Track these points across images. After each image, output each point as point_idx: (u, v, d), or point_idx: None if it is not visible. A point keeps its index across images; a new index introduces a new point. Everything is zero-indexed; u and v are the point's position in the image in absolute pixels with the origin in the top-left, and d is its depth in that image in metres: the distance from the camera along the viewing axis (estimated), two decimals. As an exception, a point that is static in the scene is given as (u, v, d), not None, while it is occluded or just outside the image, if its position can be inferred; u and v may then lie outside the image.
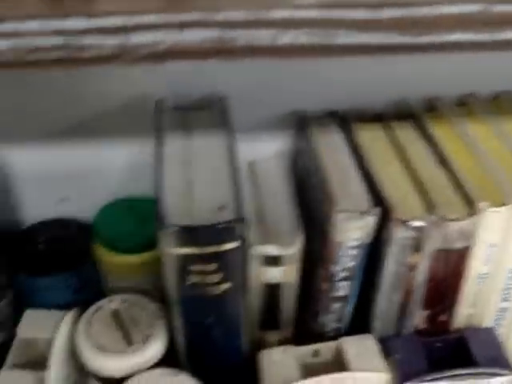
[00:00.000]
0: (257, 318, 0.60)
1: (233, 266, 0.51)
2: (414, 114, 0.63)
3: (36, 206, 0.69)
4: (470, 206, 0.53)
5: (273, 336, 0.61)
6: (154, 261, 0.61)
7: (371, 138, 0.61)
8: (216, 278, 0.51)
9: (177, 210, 0.50)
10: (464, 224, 0.52)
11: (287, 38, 0.30)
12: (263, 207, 0.60)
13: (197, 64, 0.59)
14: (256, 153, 0.65)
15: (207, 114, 0.61)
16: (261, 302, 0.59)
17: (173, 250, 0.49)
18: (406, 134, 0.61)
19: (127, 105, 0.63)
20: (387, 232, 0.53)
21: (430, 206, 0.53)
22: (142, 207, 0.64)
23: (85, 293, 0.65)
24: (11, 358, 0.56)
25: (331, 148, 0.60)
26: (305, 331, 0.61)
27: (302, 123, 0.63)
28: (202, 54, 0.29)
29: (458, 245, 0.54)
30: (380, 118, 0.63)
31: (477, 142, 0.59)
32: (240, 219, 0.49)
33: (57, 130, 0.64)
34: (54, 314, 0.59)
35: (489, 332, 0.60)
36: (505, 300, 0.60)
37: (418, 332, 0.59)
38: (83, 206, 0.67)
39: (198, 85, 0.62)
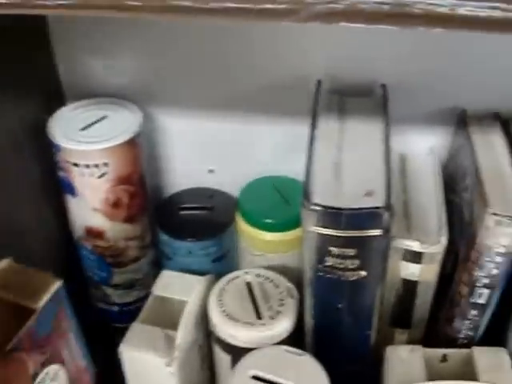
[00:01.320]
0: (389, 314, 0.59)
1: (372, 254, 0.50)
2: None
3: (186, 174, 0.71)
4: None
5: (402, 334, 0.60)
6: (293, 241, 0.62)
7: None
8: (353, 263, 0.50)
9: (323, 190, 0.50)
10: None
11: (465, 9, 0.28)
12: (410, 202, 0.59)
13: (360, 49, 0.59)
14: (409, 146, 0.64)
15: (365, 100, 0.60)
16: (395, 298, 0.58)
17: (314, 230, 0.49)
18: None
19: (287, 84, 0.63)
20: (539, 243, 0.50)
21: None
22: (288, 187, 0.65)
23: (223, 263, 0.66)
24: (144, 313, 0.58)
25: (490, 150, 0.58)
26: (436, 334, 0.59)
27: (462, 121, 0.61)
28: (376, 18, 0.29)
29: None
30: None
31: None
32: (386, 207, 0.48)
33: (215, 102, 0.66)
34: (190, 277, 0.61)
35: None
36: None
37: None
38: (231, 179, 0.68)
39: (358, 71, 0.61)
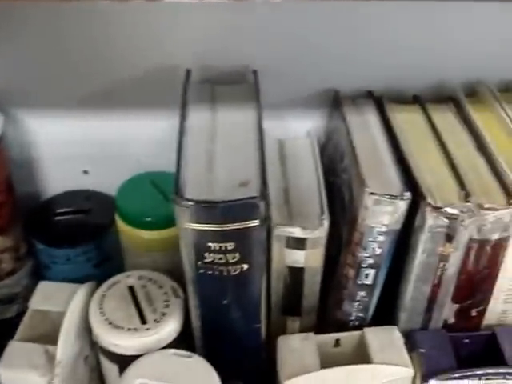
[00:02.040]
0: (279, 303, 0.58)
1: (252, 245, 0.48)
2: (453, 97, 0.60)
3: (59, 178, 0.67)
4: (509, 194, 0.50)
5: (294, 322, 0.59)
6: (175, 238, 0.59)
7: (407, 121, 0.58)
8: (234, 257, 0.48)
9: (196, 184, 0.47)
10: (502, 214, 0.49)
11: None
12: (290, 188, 0.58)
13: (228, 35, 0.58)
14: (287, 131, 0.63)
15: (237, 87, 0.58)
16: (283, 286, 0.56)
17: (190, 226, 0.47)
18: (444, 118, 0.58)
19: (156, 76, 0.61)
20: (419, 219, 0.50)
21: (466, 194, 0.50)
22: (166, 183, 0.62)
23: (105, 268, 0.63)
24: (21, 329, 0.55)
25: (365, 129, 0.57)
26: (327, 319, 0.58)
27: (336, 102, 0.61)
28: None
29: (495, 236, 0.50)
30: (417, 100, 0.60)
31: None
32: (262, 197, 0.46)
33: (82, 100, 0.62)
34: (69, 286, 0.57)
35: (523, 331, 0.56)
36: (542, 297, 0.56)
37: (447, 326, 0.56)
38: (107, 179, 0.65)
39: (228, 57, 0.59)
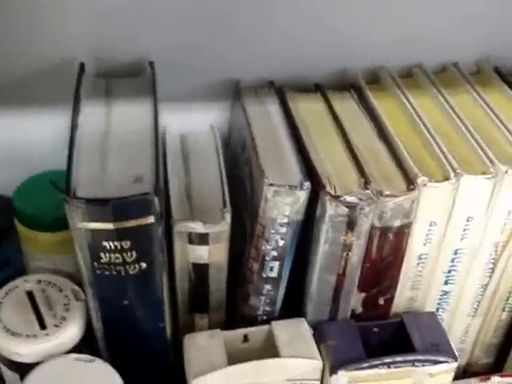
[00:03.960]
0: (185, 301, 0.56)
1: (149, 243, 0.47)
2: (354, 85, 0.60)
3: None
4: (409, 181, 0.50)
5: (203, 319, 0.57)
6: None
7: (308, 110, 0.57)
8: (131, 256, 0.47)
9: (88, 181, 0.46)
10: (402, 200, 0.49)
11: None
12: (192, 183, 0.56)
13: (124, 25, 0.56)
14: (189, 125, 0.61)
15: (133, 80, 0.56)
16: (189, 284, 0.55)
17: (83, 226, 0.45)
18: (345, 106, 0.58)
19: (50, 70, 0.58)
20: (319, 208, 0.49)
21: (365, 181, 0.49)
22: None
23: (4, 272, 0.60)
24: None
25: (265, 120, 0.56)
26: (236, 315, 0.57)
27: (237, 93, 0.59)
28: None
29: (396, 223, 0.50)
30: (319, 89, 0.59)
31: (420, 116, 0.56)
32: (156, 192, 0.44)
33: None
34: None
35: (430, 317, 0.57)
36: (448, 283, 0.57)
37: (355, 316, 0.56)
38: (6, 181, 0.62)
39: (124, 49, 0.57)
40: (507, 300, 0.59)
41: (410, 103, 0.57)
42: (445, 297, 0.57)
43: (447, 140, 0.53)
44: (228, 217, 0.52)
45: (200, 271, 0.54)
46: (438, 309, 0.58)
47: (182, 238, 0.52)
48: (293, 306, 0.56)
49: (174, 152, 0.59)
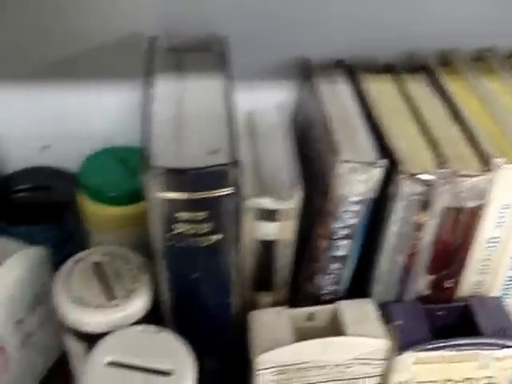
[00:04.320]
0: (250, 278, 0.56)
1: (224, 215, 0.46)
2: (427, 66, 0.59)
3: (18, 154, 0.64)
4: (485, 162, 0.49)
5: (266, 297, 0.57)
6: (141, 213, 0.57)
7: (380, 90, 0.57)
8: (205, 227, 0.47)
9: (164, 152, 0.46)
10: (477, 181, 0.48)
11: None
12: (261, 159, 0.56)
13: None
14: (256, 103, 0.61)
15: (204, 55, 0.56)
16: (255, 261, 0.55)
17: (159, 195, 0.45)
18: (418, 87, 0.57)
19: (119, 45, 0.58)
20: (394, 187, 0.49)
21: (441, 161, 0.49)
22: (131, 157, 0.60)
23: (66, 248, 0.61)
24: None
25: (337, 98, 0.56)
26: (300, 294, 0.57)
27: (306, 72, 0.59)
28: None
29: (470, 204, 0.49)
30: (390, 69, 0.59)
31: (493, 98, 0.55)
32: (234, 163, 0.44)
33: (42, 72, 0.60)
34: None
35: (496, 301, 0.56)
36: (516, 268, 0.56)
37: (422, 298, 0.55)
38: (69, 155, 0.62)
39: (195, 24, 0.57)
40: None
41: (482, 86, 0.56)
42: (510, 282, 0.56)
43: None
44: (298, 194, 0.51)
45: (267, 248, 0.54)
46: (503, 294, 0.57)
47: (251, 213, 0.52)
48: (359, 286, 0.56)
49: (242, 129, 0.58)
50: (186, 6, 0.56)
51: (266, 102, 0.61)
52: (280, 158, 0.56)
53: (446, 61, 0.59)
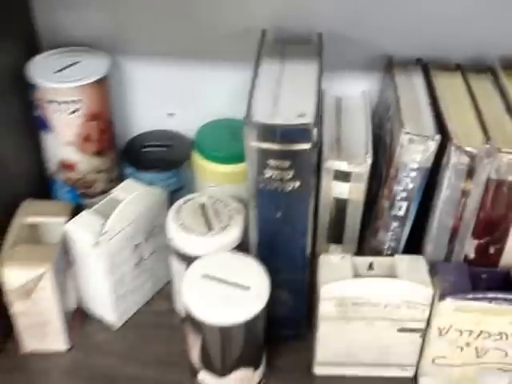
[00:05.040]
0: (324, 231, 0.68)
1: (304, 165, 0.58)
2: (491, 68, 0.69)
3: (150, 118, 0.79)
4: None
5: (337, 249, 0.69)
6: (241, 172, 0.70)
7: (447, 84, 0.67)
8: (288, 174, 0.59)
9: (262, 112, 0.58)
10: (516, 157, 0.58)
11: None
12: (342, 133, 0.68)
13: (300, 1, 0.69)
14: (346, 90, 0.73)
15: (304, 47, 0.69)
16: (329, 216, 0.67)
17: (254, 144, 0.58)
18: (481, 85, 0.67)
19: (237, 35, 0.72)
20: (445, 158, 0.59)
21: (487, 138, 0.59)
22: (237, 127, 0.73)
23: (180, 194, 0.74)
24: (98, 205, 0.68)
25: (411, 89, 0.67)
26: (365, 248, 0.68)
27: (389, 67, 0.71)
28: None
29: (510, 178, 0.59)
30: (459, 68, 0.69)
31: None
32: (315, 124, 0.56)
33: (176, 51, 0.75)
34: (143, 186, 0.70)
35: (536, 272, 0.65)
36: (554, 243, 0.64)
37: (467, 261, 0.65)
38: (188, 122, 0.77)
39: (298, 22, 0.70)
40: None
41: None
42: (551, 257, 0.65)
43: None
44: (369, 160, 0.63)
45: (340, 205, 0.66)
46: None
47: (329, 174, 0.64)
48: (413, 245, 0.66)
49: (330, 110, 0.71)
50: (291, 7, 0.69)
51: (354, 90, 0.73)
52: (358, 133, 0.68)
53: (509, 64, 0.69)
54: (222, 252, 0.63)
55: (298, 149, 0.58)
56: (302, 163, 0.58)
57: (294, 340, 0.70)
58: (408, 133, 0.59)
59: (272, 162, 0.58)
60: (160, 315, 0.74)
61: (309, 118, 0.57)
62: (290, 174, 0.59)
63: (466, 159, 0.58)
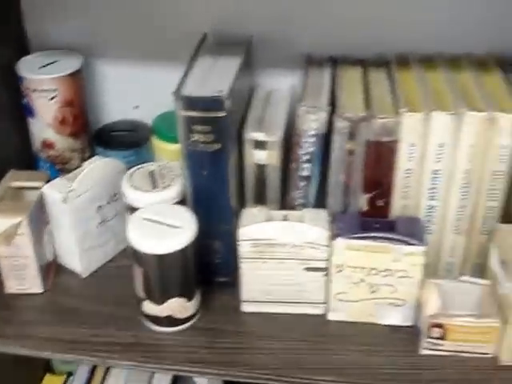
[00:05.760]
0: (251, 194, 0.84)
1: (221, 130, 0.75)
2: (388, 63, 0.85)
3: (119, 109, 0.97)
4: (395, 111, 0.74)
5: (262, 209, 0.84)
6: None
7: (349, 75, 0.84)
8: (210, 137, 0.75)
9: (190, 88, 0.75)
10: (386, 122, 0.74)
11: None
12: (266, 116, 0.84)
13: (236, 6, 0.86)
14: (277, 85, 0.90)
15: (235, 47, 0.85)
16: (253, 179, 0.82)
17: (182, 113, 0.74)
18: (376, 75, 0.84)
19: (185, 37, 0.88)
20: (334, 124, 0.75)
21: (366, 108, 0.75)
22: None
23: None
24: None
25: (319, 78, 0.84)
26: (283, 206, 0.84)
27: (307, 63, 0.87)
28: None
29: (385, 139, 0.75)
30: (362, 63, 0.86)
31: (426, 83, 0.80)
32: (228, 96, 0.73)
33: (137, 52, 0.93)
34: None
35: (416, 220, 0.79)
36: (432, 199, 0.79)
37: (362, 213, 0.80)
38: (150, 112, 0.94)
39: (232, 26, 0.88)
40: (484, 224, 0.81)
41: (422, 77, 0.82)
42: (431, 210, 0.80)
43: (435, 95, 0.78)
44: (280, 132, 0.79)
45: (260, 170, 0.82)
46: (427, 220, 0.81)
47: (250, 144, 0.80)
48: (320, 201, 0.82)
49: (259, 99, 0.87)
50: (228, 14, 0.87)
51: (285, 84, 0.89)
52: (279, 115, 0.84)
53: (403, 60, 0.85)
54: (161, 204, 0.79)
55: (215, 116, 0.74)
56: (220, 128, 0.75)
57: (227, 286, 0.85)
58: (304, 105, 0.76)
59: (197, 128, 0.75)
60: (121, 268, 0.89)
61: (223, 93, 0.74)
62: (212, 137, 0.75)
63: (347, 123, 0.74)
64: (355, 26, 0.87)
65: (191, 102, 0.74)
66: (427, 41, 0.86)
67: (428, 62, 0.85)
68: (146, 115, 0.95)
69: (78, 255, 0.85)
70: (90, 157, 0.92)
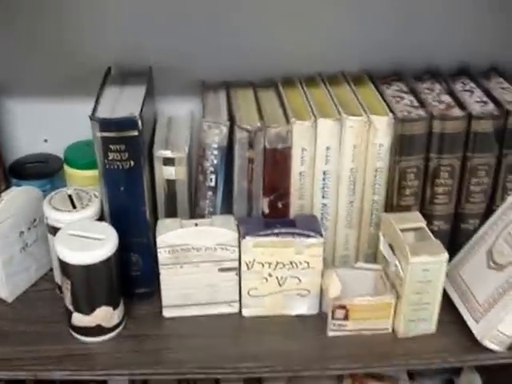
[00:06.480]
0: (163, 208, 0.92)
1: (135, 148, 0.83)
2: (275, 83, 0.97)
3: (28, 143, 1.04)
4: (286, 121, 0.85)
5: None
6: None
7: (242, 95, 0.94)
8: (125, 155, 0.83)
9: (103, 112, 0.83)
10: (279, 130, 0.85)
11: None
12: (170, 137, 0.93)
13: (135, 38, 0.95)
14: (177, 111, 0.99)
15: (138, 78, 0.94)
16: (164, 195, 0.91)
17: (98, 135, 0.82)
18: (266, 94, 0.95)
19: (91, 72, 0.96)
20: (234, 135, 0.85)
21: (261, 121, 0.85)
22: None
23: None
24: None
25: (215, 99, 0.94)
26: (194, 216, 0.92)
27: (203, 88, 0.97)
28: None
29: (279, 146, 0.85)
30: (252, 85, 0.97)
31: (310, 97, 0.92)
32: (139, 117, 0.81)
33: (45, 91, 1.00)
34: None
35: (312, 217, 0.90)
36: (324, 197, 0.90)
37: (265, 215, 0.90)
38: (60, 145, 1.01)
39: (134, 59, 0.97)
40: (371, 216, 0.92)
41: (306, 93, 0.93)
42: (325, 208, 0.91)
43: (319, 106, 0.89)
44: (186, 149, 0.88)
45: (170, 185, 0.90)
46: (322, 218, 0.91)
47: (159, 161, 0.88)
48: (228, 209, 0.91)
49: (162, 124, 0.96)
50: (129, 49, 0.96)
51: (184, 110, 0.99)
52: (182, 136, 0.93)
53: (289, 81, 0.97)
54: (84, 220, 0.86)
55: (129, 135, 0.82)
56: (134, 146, 0.83)
57: (148, 296, 0.92)
58: (207, 121, 0.85)
59: (112, 147, 0.83)
60: (45, 292, 0.95)
61: (134, 115, 0.82)
62: (126, 155, 0.83)
63: (245, 134, 0.84)
64: (245, 54, 0.98)
65: (107, 124, 0.82)
66: (308, 63, 0.98)
67: (309, 80, 0.97)
68: (56, 147, 1.02)
69: (4, 280, 0.90)
70: (6, 189, 0.97)
